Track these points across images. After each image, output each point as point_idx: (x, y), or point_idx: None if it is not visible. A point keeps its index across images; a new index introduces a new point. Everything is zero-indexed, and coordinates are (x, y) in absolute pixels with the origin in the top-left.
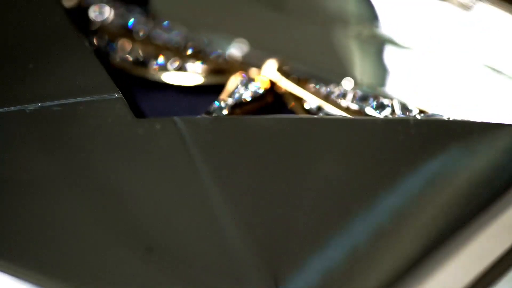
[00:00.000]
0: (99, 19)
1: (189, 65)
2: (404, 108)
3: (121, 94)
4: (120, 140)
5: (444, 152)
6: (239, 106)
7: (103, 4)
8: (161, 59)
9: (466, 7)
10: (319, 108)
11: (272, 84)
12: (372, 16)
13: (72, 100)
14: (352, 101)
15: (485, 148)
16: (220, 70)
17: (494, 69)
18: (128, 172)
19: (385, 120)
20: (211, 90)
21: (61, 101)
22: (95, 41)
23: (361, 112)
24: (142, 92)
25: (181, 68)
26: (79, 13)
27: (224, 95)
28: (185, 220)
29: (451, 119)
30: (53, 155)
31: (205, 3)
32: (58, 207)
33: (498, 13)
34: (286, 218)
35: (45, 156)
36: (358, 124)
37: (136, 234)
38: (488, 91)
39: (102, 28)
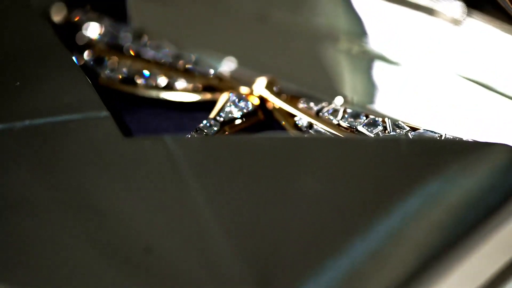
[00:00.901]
0: (88, 35)
1: (178, 82)
2: (396, 125)
3: (109, 112)
4: (109, 159)
5: (436, 171)
6: (229, 123)
7: (92, 21)
8: (149, 75)
9: (456, 22)
10: (310, 125)
11: (263, 101)
12: (362, 32)
13: (60, 118)
14: (343, 119)
15: (477, 167)
16: (210, 87)
17: (483, 85)
18: (118, 191)
19: (376, 139)
20: (200, 107)
21: (49, 119)
22: (83, 57)
23: (352, 129)
24: (131, 109)
25: (170, 85)
26: (67, 29)
27: (214, 113)
28: (176, 239)
29: (443, 137)
30: (41, 174)
31: (194, 21)
32: (46, 226)
33: (488, 28)
34: (278, 237)
35: (33, 175)
36: (349, 144)
37: (126, 252)
38: (478, 107)
39: (91, 45)
